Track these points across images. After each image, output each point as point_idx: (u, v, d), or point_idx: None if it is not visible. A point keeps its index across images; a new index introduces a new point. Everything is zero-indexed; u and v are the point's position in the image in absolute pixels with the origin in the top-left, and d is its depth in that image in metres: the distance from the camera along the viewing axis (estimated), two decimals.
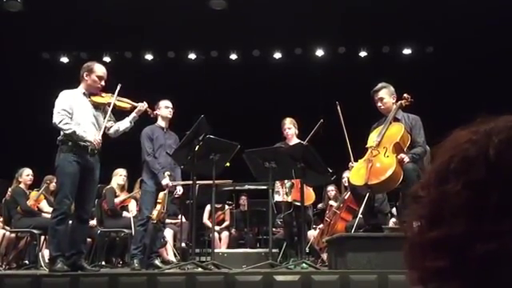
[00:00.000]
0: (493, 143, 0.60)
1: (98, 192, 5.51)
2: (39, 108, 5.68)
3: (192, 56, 9.56)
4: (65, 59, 9.46)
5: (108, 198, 6.30)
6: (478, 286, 0.57)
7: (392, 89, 4.52)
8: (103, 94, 4.44)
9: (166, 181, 5.01)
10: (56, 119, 4.16)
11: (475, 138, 0.62)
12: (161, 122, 5.25)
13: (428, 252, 0.60)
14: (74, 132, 4.15)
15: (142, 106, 4.57)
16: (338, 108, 4.78)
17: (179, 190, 5.37)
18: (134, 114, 4.53)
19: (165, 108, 5.22)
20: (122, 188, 6.48)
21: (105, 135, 4.41)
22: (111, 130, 4.47)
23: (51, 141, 4.34)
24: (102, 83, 4.39)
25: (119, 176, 6.46)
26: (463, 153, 0.61)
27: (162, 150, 5.13)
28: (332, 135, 4.79)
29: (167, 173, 5.02)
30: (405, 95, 4.53)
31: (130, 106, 4.52)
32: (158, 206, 5.01)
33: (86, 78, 4.35)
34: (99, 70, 4.39)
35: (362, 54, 9.39)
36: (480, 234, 0.56)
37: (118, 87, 4.46)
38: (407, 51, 9.38)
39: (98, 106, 4.41)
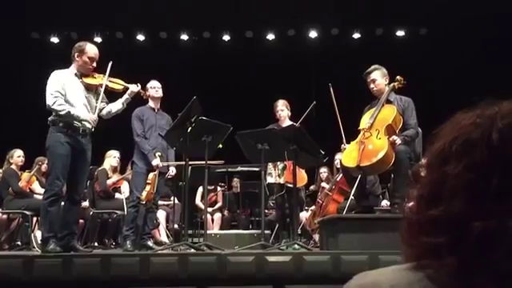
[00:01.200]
0: (497, 127, 0.61)
1: (90, 173, 5.50)
2: (30, 88, 5.63)
3: (184, 37, 9.47)
4: (55, 39, 9.34)
5: (100, 180, 6.29)
6: (475, 261, 0.58)
7: (385, 71, 4.51)
8: (95, 75, 4.37)
9: (156, 161, 5.00)
10: (50, 101, 4.11)
11: (479, 122, 0.63)
12: (151, 103, 5.23)
13: (425, 229, 0.62)
14: (69, 112, 4.11)
15: (135, 87, 4.53)
16: (331, 90, 4.76)
17: (172, 171, 5.37)
18: (126, 96, 4.49)
19: (151, 88, 5.21)
20: (114, 170, 6.47)
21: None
22: (103, 112, 4.43)
23: (42, 121, 4.30)
24: (94, 64, 4.32)
25: (113, 158, 6.44)
26: (466, 135, 0.62)
27: (152, 131, 5.12)
28: (324, 117, 4.80)
29: (158, 153, 5.01)
30: (398, 77, 4.52)
31: (122, 87, 4.48)
32: (148, 187, 5.01)
33: (77, 58, 4.28)
34: (91, 50, 4.31)
35: (356, 35, 9.36)
36: (479, 213, 0.58)
37: (109, 65, 4.40)
38: (400, 33, 9.35)
39: (89, 87, 4.35)
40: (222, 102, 8.08)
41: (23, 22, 8.45)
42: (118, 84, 4.46)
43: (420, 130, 4.36)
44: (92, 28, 9.05)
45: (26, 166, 6.46)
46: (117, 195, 6.42)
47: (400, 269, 0.64)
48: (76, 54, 4.29)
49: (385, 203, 5.94)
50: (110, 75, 4.38)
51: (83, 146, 4.24)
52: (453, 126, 0.65)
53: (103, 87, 4.33)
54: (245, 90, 8.66)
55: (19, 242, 6.26)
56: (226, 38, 9.45)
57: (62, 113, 4.10)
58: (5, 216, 6.11)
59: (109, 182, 6.34)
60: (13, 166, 6.24)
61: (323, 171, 6.71)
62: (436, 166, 0.64)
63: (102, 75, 4.38)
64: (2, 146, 6.55)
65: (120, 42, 9.31)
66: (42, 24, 8.96)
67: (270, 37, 9.43)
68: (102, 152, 6.52)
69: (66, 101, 4.16)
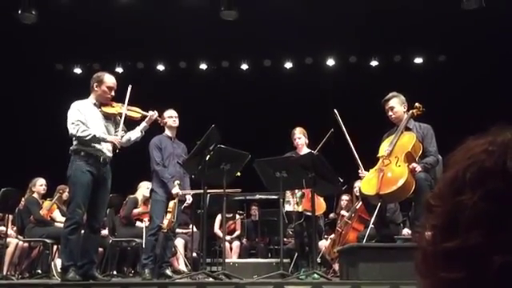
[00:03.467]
0: (511, 154, 0.58)
1: (110, 202, 5.55)
2: (53, 118, 5.77)
3: (203, 66, 9.63)
4: (78, 70, 9.59)
5: (127, 206, 6.40)
6: None
7: (403, 98, 4.50)
8: (113, 104, 4.47)
9: (176, 190, 5.03)
10: (73, 130, 4.20)
11: (491, 149, 0.60)
12: (168, 132, 5.29)
13: (442, 262, 0.60)
14: (94, 136, 4.19)
15: (153, 114, 4.61)
16: (337, 115, 4.73)
17: (189, 199, 5.39)
18: (144, 124, 4.56)
19: (168, 118, 5.26)
20: (146, 200, 6.56)
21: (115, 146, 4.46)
22: (123, 140, 4.48)
23: (64, 150, 4.39)
24: (112, 93, 4.42)
25: (146, 188, 6.53)
26: (479, 163, 0.60)
27: (170, 159, 5.16)
28: (343, 144, 4.77)
29: (177, 182, 5.04)
30: (416, 104, 4.50)
31: (140, 115, 4.56)
32: (168, 215, 5.03)
33: (96, 88, 4.39)
34: (109, 80, 4.42)
35: (374, 63, 9.39)
36: (498, 246, 0.55)
37: (129, 90, 4.48)
38: (419, 60, 9.35)
39: (108, 116, 4.44)
40: (239, 130, 8.13)
41: (48, 53, 8.72)
42: (136, 112, 4.54)
43: (440, 157, 4.31)
44: (113, 59, 9.29)
45: (48, 194, 6.56)
46: (137, 223, 6.47)
47: None
48: (95, 84, 4.40)
49: (406, 232, 5.82)
50: (128, 103, 4.47)
51: (104, 175, 4.30)
52: (464, 153, 0.63)
53: (123, 116, 4.41)
54: (262, 118, 8.71)
55: (39, 270, 6.30)
56: (244, 67, 9.58)
57: (88, 138, 4.17)
58: (26, 244, 6.17)
59: (135, 211, 6.44)
60: (35, 195, 6.33)
61: (344, 199, 6.64)
62: (449, 195, 0.61)
63: (120, 104, 4.47)
64: (25, 175, 6.67)
65: (141, 72, 9.51)
66: (66, 55, 9.23)
67: (288, 65, 9.53)
68: (135, 182, 6.67)
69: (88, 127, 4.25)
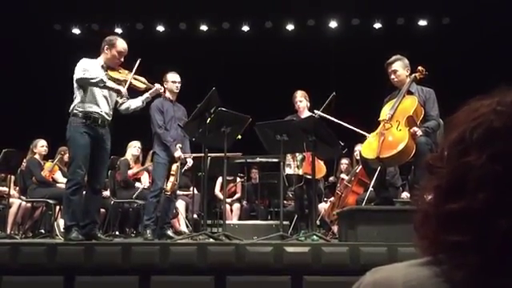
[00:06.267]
0: None
1: (111, 163, 5.58)
2: (53, 79, 5.73)
3: (204, 28, 9.48)
4: (76, 31, 9.44)
5: (121, 170, 6.40)
6: (500, 261, 0.55)
7: (406, 61, 4.44)
8: (121, 70, 4.43)
9: (178, 153, 5.04)
10: (80, 74, 4.18)
11: (500, 109, 0.59)
12: (168, 95, 5.24)
13: (444, 225, 0.59)
14: (102, 80, 4.18)
15: (159, 88, 4.58)
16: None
17: (189, 162, 5.41)
18: (147, 95, 4.54)
19: (172, 83, 5.21)
20: (136, 160, 6.59)
21: (116, 111, 4.45)
22: (122, 107, 4.49)
23: (65, 111, 4.37)
24: (122, 59, 4.39)
25: (134, 147, 6.57)
26: (487, 124, 0.59)
27: (172, 123, 5.15)
28: (344, 108, 4.75)
29: (178, 145, 5.05)
30: (419, 68, 4.45)
31: (145, 86, 4.51)
32: (172, 178, 5.06)
33: (106, 51, 4.36)
34: (121, 45, 4.38)
35: (377, 25, 9.23)
36: (505, 209, 0.54)
37: (137, 62, 4.44)
38: (423, 23, 9.19)
39: (113, 81, 4.39)
40: (240, 92, 8.07)
41: (46, 13, 8.55)
42: (141, 82, 4.50)
43: (441, 121, 4.29)
44: (113, 20, 9.13)
45: (49, 155, 6.58)
46: (137, 184, 6.52)
47: (414, 264, 0.62)
48: (106, 47, 4.36)
49: (405, 195, 5.88)
50: (135, 73, 4.42)
51: (102, 137, 4.31)
52: (469, 114, 0.61)
53: (127, 83, 4.36)
54: (264, 81, 8.64)
55: (42, 230, 6.39)
56: (245, 28, 9.42)
57: (95, 80, 4.16)
58: (29, 204, 6.24)
59: (130, 172, 6.45)
60: (36, 156, 6.35)
61: (344, 162, 6.66)
62: (455, 156, 0.60)
63: (127, 71, 4.43)
64: (26, 136, 6.67)
65: (140, 33, 9.37)
66: (64, 16, 9.06)
67: (290, 27, 9.36)
68: (125, 143, 6.66)
69: (89, 89, 4.22)
